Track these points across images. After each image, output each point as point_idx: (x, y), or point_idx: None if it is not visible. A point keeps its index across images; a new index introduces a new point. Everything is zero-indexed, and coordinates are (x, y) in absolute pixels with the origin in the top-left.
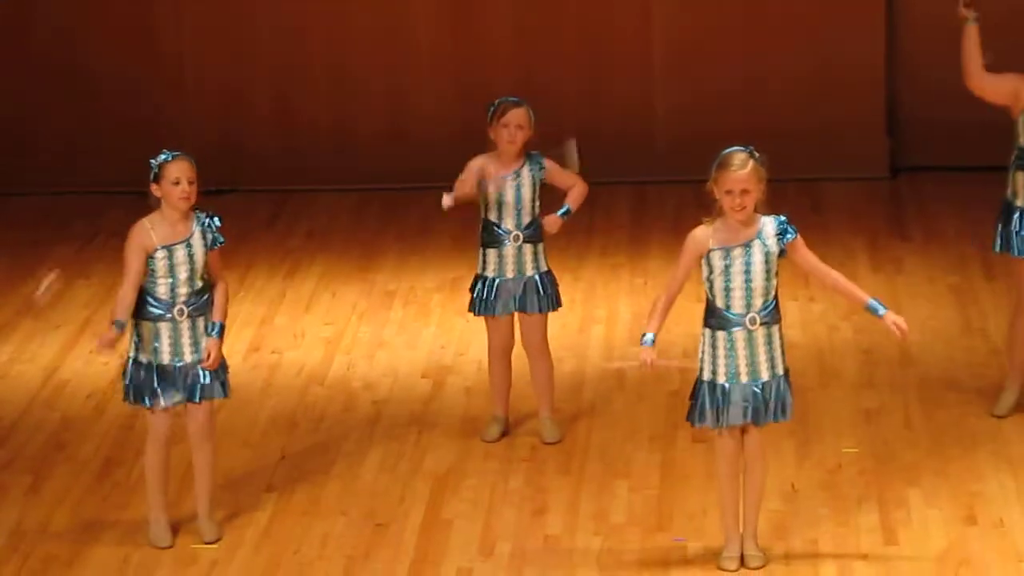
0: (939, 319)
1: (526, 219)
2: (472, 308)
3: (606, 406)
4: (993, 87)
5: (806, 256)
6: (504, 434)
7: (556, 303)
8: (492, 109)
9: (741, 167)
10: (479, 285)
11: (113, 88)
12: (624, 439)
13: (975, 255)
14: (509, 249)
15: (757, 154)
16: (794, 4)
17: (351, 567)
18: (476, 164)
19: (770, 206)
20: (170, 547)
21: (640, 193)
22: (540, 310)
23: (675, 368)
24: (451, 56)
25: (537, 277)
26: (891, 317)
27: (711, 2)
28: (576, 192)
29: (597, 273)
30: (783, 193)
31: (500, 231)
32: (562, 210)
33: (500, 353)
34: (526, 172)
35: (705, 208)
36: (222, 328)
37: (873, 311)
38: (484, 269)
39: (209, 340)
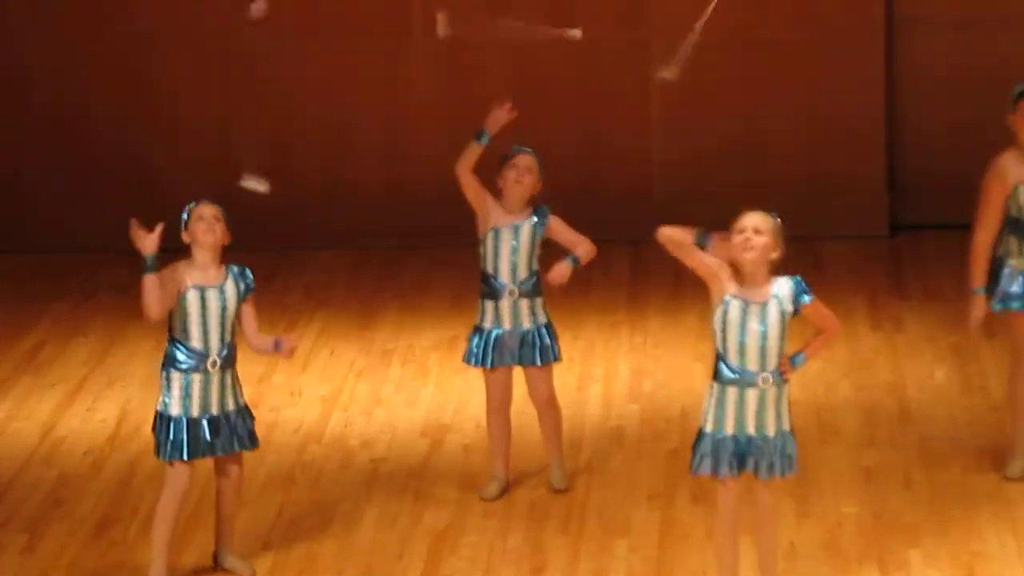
0: (939, 378)
1: (522, 274)
2: (466, 358)
3: (605, 464)
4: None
5: (819, 315)
6: (503, 492)
7: (555, 355)
8: (503, 156)
9: (754, 213)
10: (476, 337)
11: (109, 144)
12: (623, 498)
13: None
14: (505, 303)
15: (777, 217)
16: (793, 59)
17: None
18: (485, 193)
19: (774, 264)
20: None
21: (639, 251)
22: (541, 361)
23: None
24: (449, 112)
25: (535, 330)
26: (786, 363)
27: (709, 57)
28: (584, 248)
29: (596, 331)
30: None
31: (496, 284)
32: (570, 257)
33: (497, 408)
34: (527, 227)
35: None
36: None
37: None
38: (482, 320)
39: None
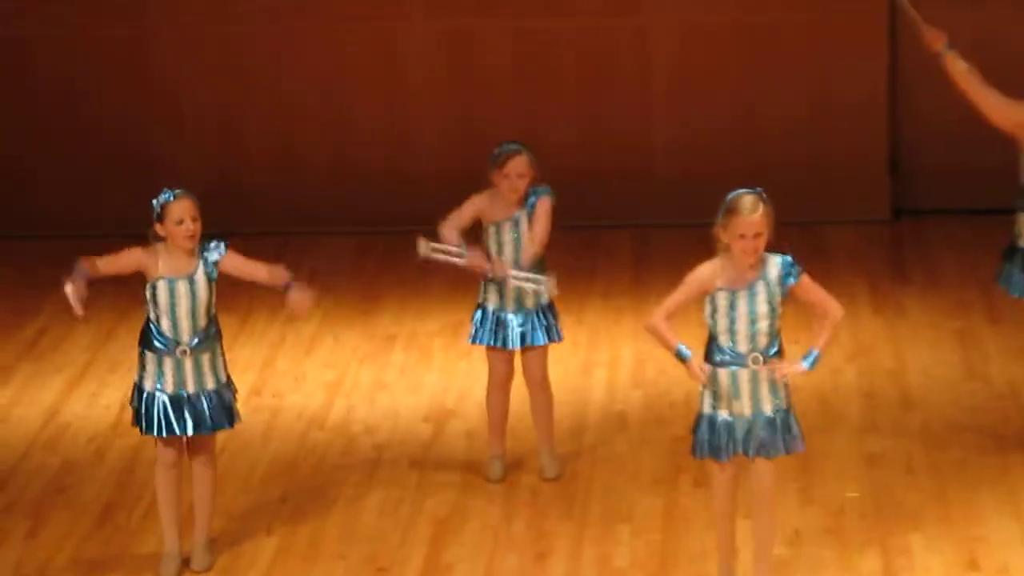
0: (942, 363)
1: (526, 261)
2: (475, 338)
3: (609, 449)
4: (1002, 111)
5: (811, 295)
6: (506, 470)
7: (558, 335)
8: (493, 156)
9: (753, 211)
10: (480, 314)
11: (110, 128)
12: (627, 483)
13: (978, 299)
14: (510, 284)
15: (765, 196)
16: (795, 41)
17: None
18: (474, 204)
19: (770, 246)
20: None
21: (642, 235)
22: (543, 342)
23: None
24: (449, 96)
25: (538, 310)
26: (791, 367)
27: (711, 40)
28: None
29: (600, 316)
30: (783, 234)
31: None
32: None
33: (500, 383)
34: (524, 218)
35: (708, 250)
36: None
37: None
38: (485, 301)
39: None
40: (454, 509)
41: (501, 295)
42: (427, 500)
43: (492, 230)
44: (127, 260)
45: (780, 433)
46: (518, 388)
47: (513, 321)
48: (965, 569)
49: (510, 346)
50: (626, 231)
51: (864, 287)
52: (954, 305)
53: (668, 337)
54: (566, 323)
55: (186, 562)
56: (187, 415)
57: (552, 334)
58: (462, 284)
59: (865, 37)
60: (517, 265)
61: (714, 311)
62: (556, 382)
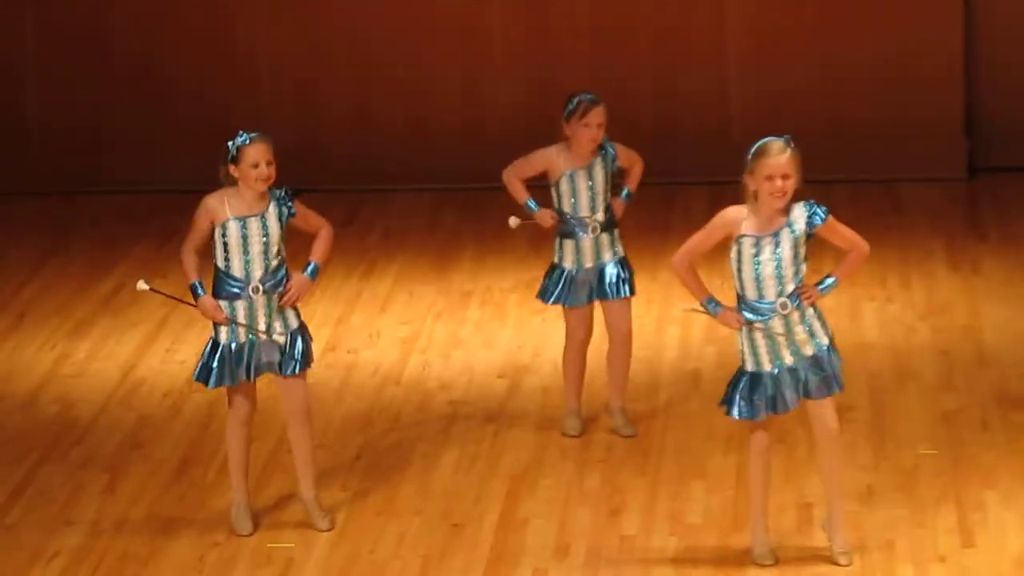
0: (1016, 320)
1: (600, 208)
2: (546, 297)
3: (682, 406)
4: None
5: (839, 235)
6: (583, 426)
7: (631, 289)
8: (571, 107)
9: (780, 153)
10: (555, 274)
11: (189, 87)
12: (701, 440)
13: None
14: (587, 240)
15: (793, 143)
16: (871, 0)
17: (427, 567)
18: (544, 157)
19: (847, 205)
20: (250, 535)
21: (717, 194)
22: (624, 295)
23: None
24: (526, 53)
25: (616, 262)
26: (811, 290)
27: None
28: (635, 173)
29: (674, 273)
30: (860, 193)
31: (576, 223)
32: (623, 193)
33: (580, 343)
34: (599, 165)
35: None
36: (316, 269)
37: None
38: (562, 260)
39: (297, 276)
40: (529, 465)
41: (578, 253)
42: (502, 456)
43: (565, 180)
44: (204, 222)
45: (827, 371)
46: (595, 343)
47: (590, 276)
48: None
49: (591, 299)
50: (702, 188)
51: (940, 245)
52: None
53: (695, 284)
54: (641, 280)
55: (255, 518)
56: (256, 361)
57: (629, 287)
58: (537, 241)
59: None
60: (594, 210)
61: (739, 260)
62: None
